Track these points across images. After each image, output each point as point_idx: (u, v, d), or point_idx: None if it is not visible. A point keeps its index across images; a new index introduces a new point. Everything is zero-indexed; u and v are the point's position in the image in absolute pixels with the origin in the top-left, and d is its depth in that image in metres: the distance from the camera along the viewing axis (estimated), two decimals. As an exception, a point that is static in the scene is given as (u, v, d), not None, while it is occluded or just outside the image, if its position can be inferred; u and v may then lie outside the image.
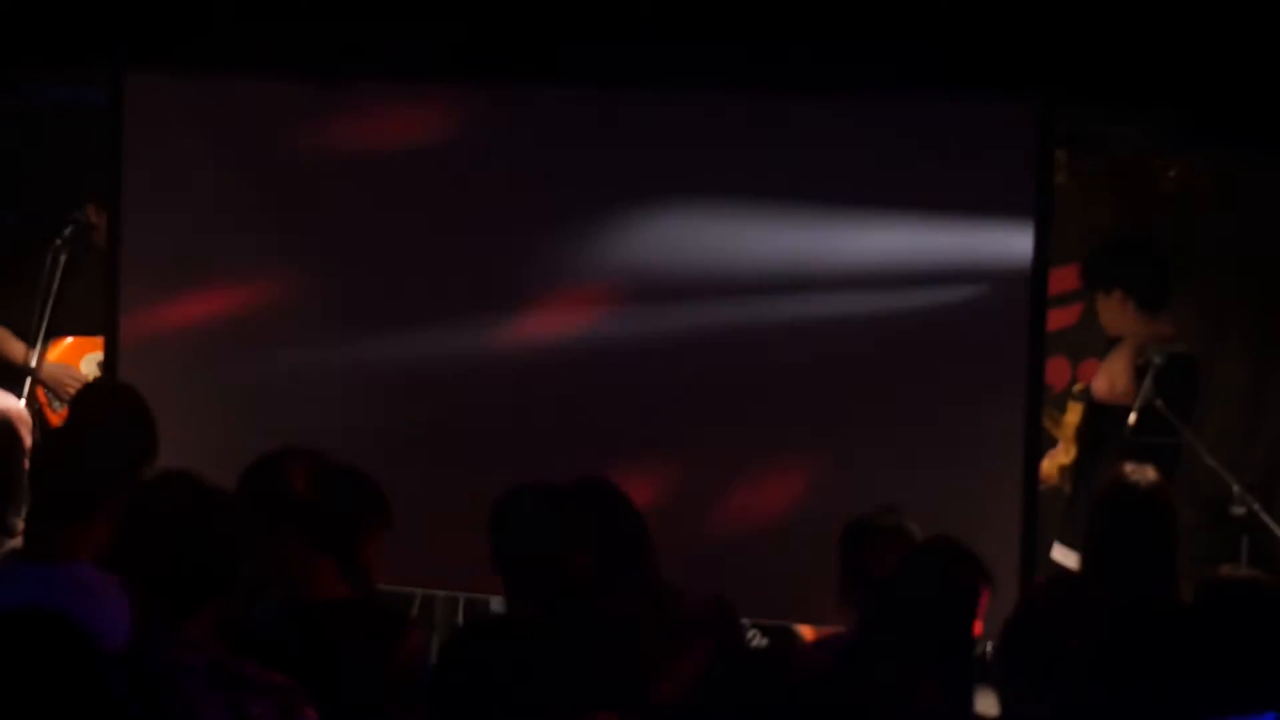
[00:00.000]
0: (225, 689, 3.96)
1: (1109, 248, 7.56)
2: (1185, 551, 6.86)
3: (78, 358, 7.63)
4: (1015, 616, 4.41)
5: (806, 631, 7.61)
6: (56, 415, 7.48)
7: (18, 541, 4.93)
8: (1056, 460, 7.38)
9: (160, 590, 3.99)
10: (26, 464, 5.24)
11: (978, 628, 4.74)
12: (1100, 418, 7.18)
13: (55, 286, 7.47)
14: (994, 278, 6.37)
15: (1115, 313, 7.26)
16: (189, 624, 3.98)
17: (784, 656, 5.12)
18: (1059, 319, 7.86)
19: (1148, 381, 7.02)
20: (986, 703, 4.86)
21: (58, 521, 4.60)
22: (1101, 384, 7.23)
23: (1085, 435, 7.34)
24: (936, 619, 4.58)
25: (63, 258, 7.53)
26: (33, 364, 7.44)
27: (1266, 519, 6.69)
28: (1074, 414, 7.44)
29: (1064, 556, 6.99)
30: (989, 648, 5.05)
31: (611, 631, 4.49)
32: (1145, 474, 5.50)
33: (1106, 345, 7.95)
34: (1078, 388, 7.57)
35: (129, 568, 4.06)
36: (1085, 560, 5.63)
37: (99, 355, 7.52)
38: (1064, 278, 7.91)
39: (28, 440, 5.38)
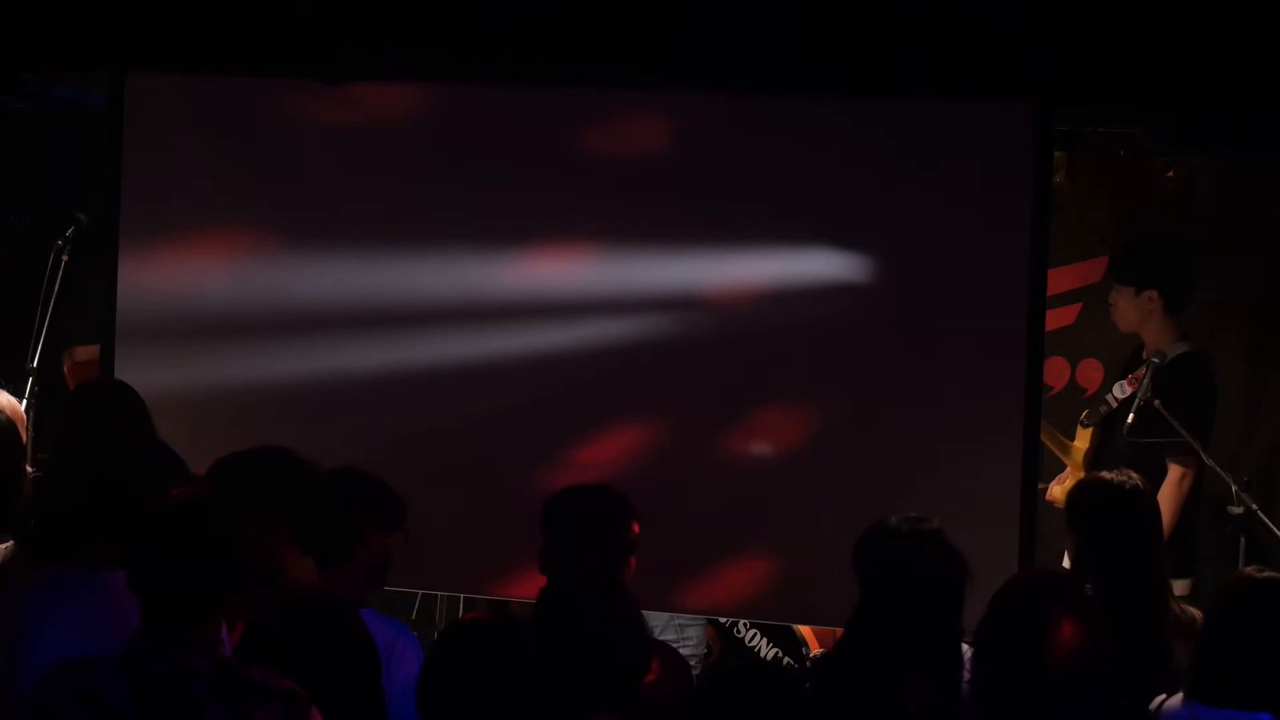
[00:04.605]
0: (230, 694, 3.95)
1: (1142, 247, 7.57)
2: (1187, 552, 6.92)
3: None
4: (990, 615, 4.41)
5: (806, 631, 7.63)
6: None
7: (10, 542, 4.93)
8: (1065, 486, 7.38)
9: (168, 595, 3.98)
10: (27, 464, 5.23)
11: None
12: (1108, 445, 7.19)
13: (56, 286, 7.48)
14: (993, 278, 6.38)
15: (1140, 312, 7.28)
16: (196, 629, 3.98)
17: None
18: (1057, 319, 7.86)
19: (1145, 381, 7.03)
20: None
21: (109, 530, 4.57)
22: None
23: (1092, 462, 7.33)
24: (922, 616, 4.57)
25: (64, 258, 7.53)
26: (33, 364, 7.44)
27: (1264, 518, 6.70)
28: (1083, 440, 7.44)
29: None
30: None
31: (603, 632, 4.49)
32: (1129, 476, 5.55)
33: (1105, 345, 7.97)
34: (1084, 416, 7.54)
35: (137, 571, 4.05)
36: (1073, 562, 5.65)
37: None
38: (1063, 278, 7.91)
39: (24, 437, 5.38)
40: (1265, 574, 4.68)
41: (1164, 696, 4.58)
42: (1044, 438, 7.27)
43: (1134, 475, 5.54)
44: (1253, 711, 4.41)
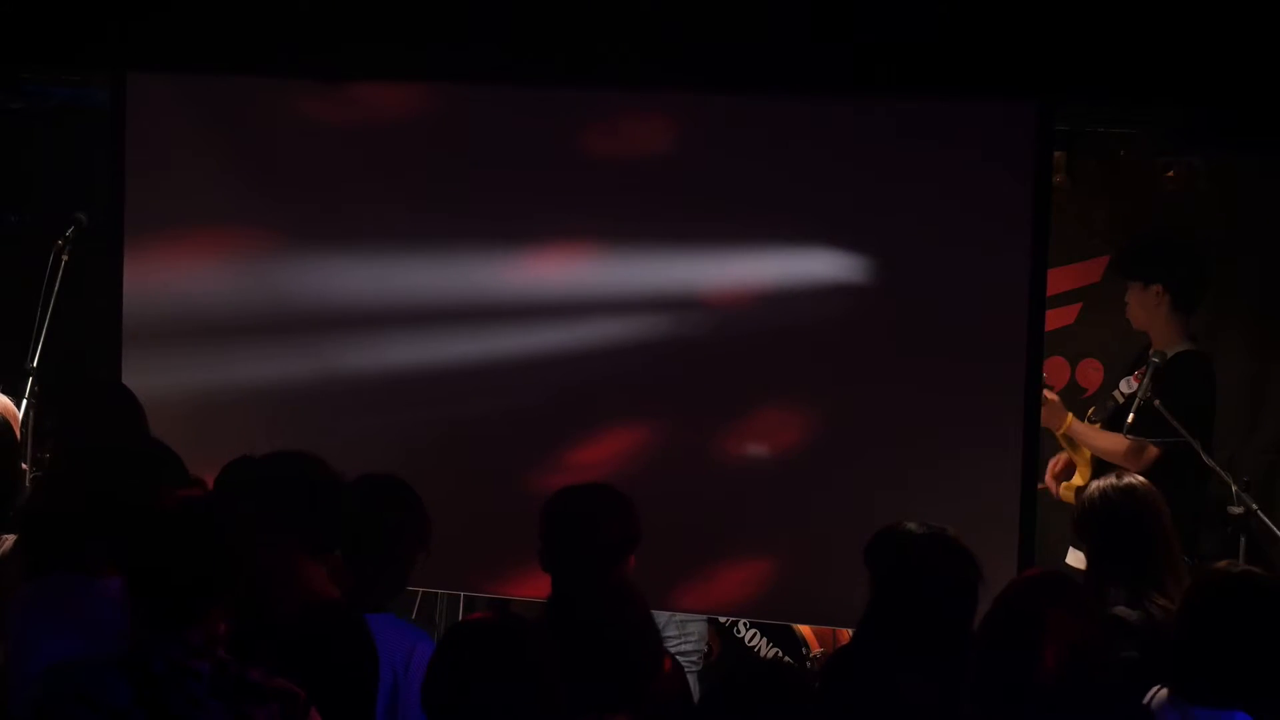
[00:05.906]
0: (228, 694, 3.96)
1: (1150, 242, 7.61)
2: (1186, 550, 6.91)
3: None
4: (992, 616, 4.41)
5: (806, 631, 7.64)
6: None
7: (9, 541, 4.93)
8: (1073, 484, 7.39)
9: (164, 595, 3.99)
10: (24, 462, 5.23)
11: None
12: None
13: (56, 286, 7.47)
14: (993, 278, 6.38)
15: (1147, 308, 7.30)
16: (192, 629, 3.98)
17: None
18: (1057, 319, 7.86)
19: (1146, 380, 7.04)
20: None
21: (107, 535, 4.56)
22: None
23: (1099, 459, 7.35)
24: (933, 617, 4.58)
25: (64, 258, 7.53)
26: (33, 364, 7.44)
27: (1264, 518, 6.70)
28: None
29: (1079, 562, 6.99)
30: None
31: (615, 632, 4.50)
32: (1133, 477, 5.58)
33: (1105, 345, 7.97)
34: (1090, 412, 7.55)
35: (133, 572, 4.05)
36: (1089, 563, 5.66)
37: None
38: (1063, 278, 7.92)
39: (18, 434, 5.39)
40: (1238, 569, 4.68)
41: (1155, 689, 4.57)
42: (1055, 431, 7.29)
43: (1135, 475, 5.60)
44: (1228, 710, 4.40)
